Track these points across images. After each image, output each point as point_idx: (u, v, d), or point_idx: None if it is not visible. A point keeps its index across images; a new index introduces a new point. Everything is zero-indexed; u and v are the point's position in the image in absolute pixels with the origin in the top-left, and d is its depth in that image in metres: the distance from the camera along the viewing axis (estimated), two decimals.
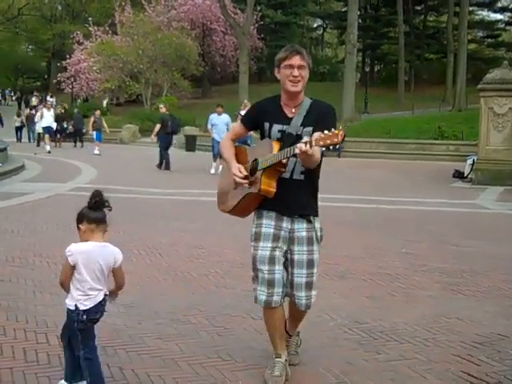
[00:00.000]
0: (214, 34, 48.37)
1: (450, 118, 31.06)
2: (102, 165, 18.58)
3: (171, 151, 18.56)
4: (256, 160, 3.54)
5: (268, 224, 3.59)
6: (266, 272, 3.54)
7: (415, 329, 4.69)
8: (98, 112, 26.03)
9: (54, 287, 5.54)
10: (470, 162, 17.06)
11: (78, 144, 28.95)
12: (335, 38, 63.61)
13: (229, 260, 6.83)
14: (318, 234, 3.63)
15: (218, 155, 16.01)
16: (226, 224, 9.19)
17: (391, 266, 6.72)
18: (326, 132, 3.08)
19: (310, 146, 3.10)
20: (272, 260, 3.55)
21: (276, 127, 3.58)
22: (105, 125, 26.15)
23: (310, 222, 3.60)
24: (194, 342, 4.28)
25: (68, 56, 44.23)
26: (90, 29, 43.07)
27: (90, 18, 46.73)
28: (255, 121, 3.72)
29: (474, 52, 51.12)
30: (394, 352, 4.21)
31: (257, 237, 3.61)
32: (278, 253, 3.56)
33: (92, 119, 25.44)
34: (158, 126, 17.91)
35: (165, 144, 17.85)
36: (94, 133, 24.96)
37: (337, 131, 3.06)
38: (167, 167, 17.67)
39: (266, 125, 3.62)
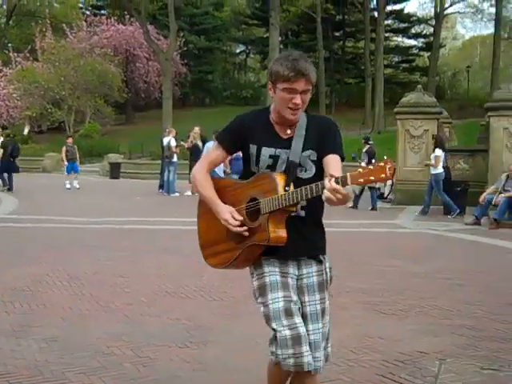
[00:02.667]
0: (138, 60, 48.25)
1: None
2: (23, 195, 18.08)
3: (95, 178, 18.32)
4: (255, 200, 2.81)
5: (272, 271, 2.87)
6: (286, 327, 2.77)
7: (339, 350, 4.75)
8: (70, 140, 22.58)
9: None
10: (389, 182, 17.59)
11: None
12: (258, 63, 64.46)
13: (154, 288, 6.75)
14: (329, 275, 3.00)
15: None
16: (151, 252, 9.14)
17: None
18: (364, 167, 2.45)
19: (344, 185, 2.44)
20: (289, 312, 2.80)
21: (266, 151, 2.85)
22: (77, 155, 22.43)
23: (320, 262, 2.96)
24: (118, 375, 4.19)
25: None
26: (10, 55, 42.13)
27: (9, 44, 45.76)
28: (239, 141, 2.91)
29: (390, 76, 52.92)
30: None
31: (262, 290, 2.88)
32: (293, 304, 2.83)
33: (64, 149, 22.00)
34: (0, 152, 19.95)
35: (5, 167, 19.92)
36: (66, 164, 21.56)
37: (382, 163, 2.41)
38: (10, 189, 19.49)
39: (253, 148, 2.87)
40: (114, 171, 27.62)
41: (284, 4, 39.87)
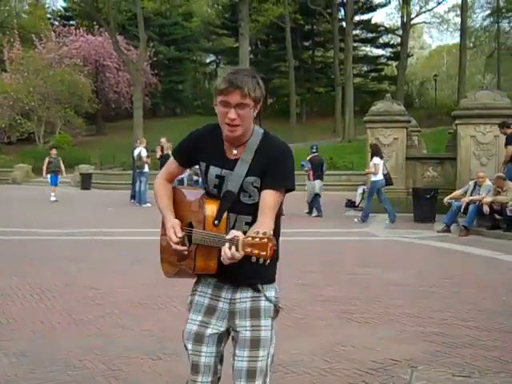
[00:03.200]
0: (108, 70, 48.02)
1: (340, 149, 32.26)
2: None
3: (66, 189, 18.16)
4: (190, 225, 2.70)
5: (203, 292, 2.78)
6: (190, 351, 2.74)
7: (313, 359, 4.78)
8: (53, 151, 21.73)
9: None
10: (360, 191, 17.72)
11: None
12: None
13: (126, 299, 6.71)
14: (270, 304, 2.73)
15: None
16: (124, 263, 9.08)
17: (288, 297, 6.82)
18: (255, 235, 2.28)
19: (236, 249, 2.30)
20: (199, 338, 2.72)
21: (213, 170, 2.71)
22: (62, 166, 21.72)
23: (257, 290, 2.71)
24: None
25: None
26: None
27: None
28: (191, 156, 2.82)
29: (360, 85, 53.44)
30: None
31: (189, 306, 2.82)
32: (209, 330, 2.72)
33: (46, 160, 21.27)
34: None
35: None
36: (49, 176, 21.05)
37: (266, 239, 2.26)
38: None
39: (203, 165, 2.76)
40: (85, 182, 27.42)
41: (253, 14, 40.04)
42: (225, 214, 2.62)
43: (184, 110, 57.64)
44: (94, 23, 44.89)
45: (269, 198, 2.61)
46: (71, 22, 52.53)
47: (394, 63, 57.47)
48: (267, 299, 2.71)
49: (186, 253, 2.66)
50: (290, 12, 46.15)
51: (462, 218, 12.75)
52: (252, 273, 2.63)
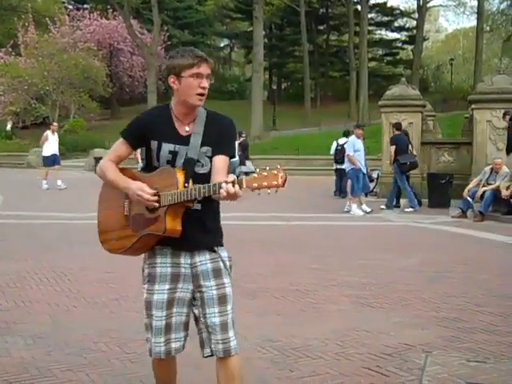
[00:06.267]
0: (122, 54, 47.99)
1: None
2: (7, 191, 17.91)
3: (80, 173, 18.19)
4: (157, 194, 2.88)
5: (163, 263, 3.00)
6: (163, 318, 2.98)
7: (326, 343, 4.79)
8: None
9: None
10: (374, 175, 17.64)
11: None
12: (242, 57, 64.41)
13: (139, 283, 6.72)
14: (227, 263, 3.05)
15: (360, 191, 13.85)
16: None
17: (302, 282, 6.84)
18: (260, 172, 2.53)
19: (240, 187, 2.55)
20: (170, 303, 2.99)
21: (166, 147, 2.94)
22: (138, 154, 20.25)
23: (213, 251, 3.02)
24: (106, 371, 4.19)
25: None
26: None
27: None
28: (141, 137, 3.01)
29: (374, 69, 53.09)
30: (306, 368, 4.28)
31: (151, 279, 3.02)
32: (178, 294, 2.99)
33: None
34: None
35: None
36: (140, 164, 17.87)
37: (275, 171, 2.50)
38: None
39: (154, 144, 2.97)
40: None
41: None
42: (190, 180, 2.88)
43: None
44: (108, 7, 44.81)
45: (222, 162, 2.95)
46: (85, 6, 52.45)
47: (410, 47, 56.96)
48: (222, 259, 3.02)
49: (157, 205, 2.86)
50: None
51: (478, 204, 12.65)
52: (208, 238, 3.00)
